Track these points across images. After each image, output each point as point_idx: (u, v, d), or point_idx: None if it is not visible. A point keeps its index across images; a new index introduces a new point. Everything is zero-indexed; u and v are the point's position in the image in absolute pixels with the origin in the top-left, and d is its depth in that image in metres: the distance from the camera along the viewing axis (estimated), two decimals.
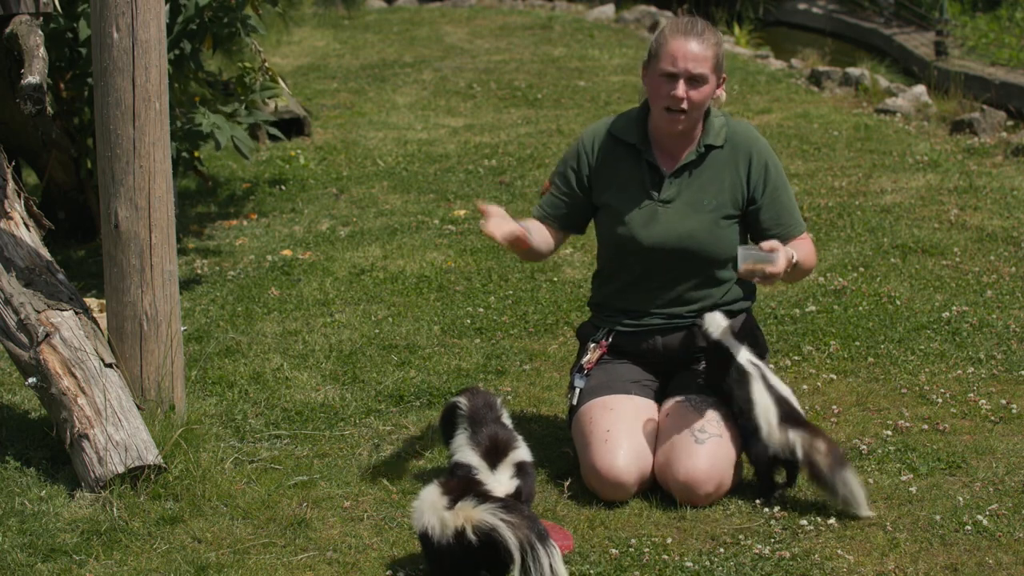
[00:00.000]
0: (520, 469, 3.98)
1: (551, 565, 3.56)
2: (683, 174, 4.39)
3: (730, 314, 4.45)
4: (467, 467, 3.97)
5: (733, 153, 4.40)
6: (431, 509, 3.69)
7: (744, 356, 4.24)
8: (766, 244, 4.14)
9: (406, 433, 4.78)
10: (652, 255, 4.37)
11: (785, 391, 4.24)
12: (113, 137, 4.37)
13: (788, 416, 4.16)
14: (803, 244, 4.40)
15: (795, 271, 4.30)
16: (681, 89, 4.25)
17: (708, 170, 4.39)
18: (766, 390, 4.19)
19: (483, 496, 3.69)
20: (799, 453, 4.10)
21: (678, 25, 4.29)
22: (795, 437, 4.11)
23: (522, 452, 4.03)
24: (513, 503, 3.70)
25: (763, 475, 4.21)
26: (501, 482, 3.94)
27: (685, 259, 4.35)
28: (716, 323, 4.28)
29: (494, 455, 3.98)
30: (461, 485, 3.76)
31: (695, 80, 4.25)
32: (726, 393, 4.26)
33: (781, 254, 4.12)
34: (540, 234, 4.44)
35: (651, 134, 4.42)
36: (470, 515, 3.62)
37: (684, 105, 4.26)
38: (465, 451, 4.01)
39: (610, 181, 4.44)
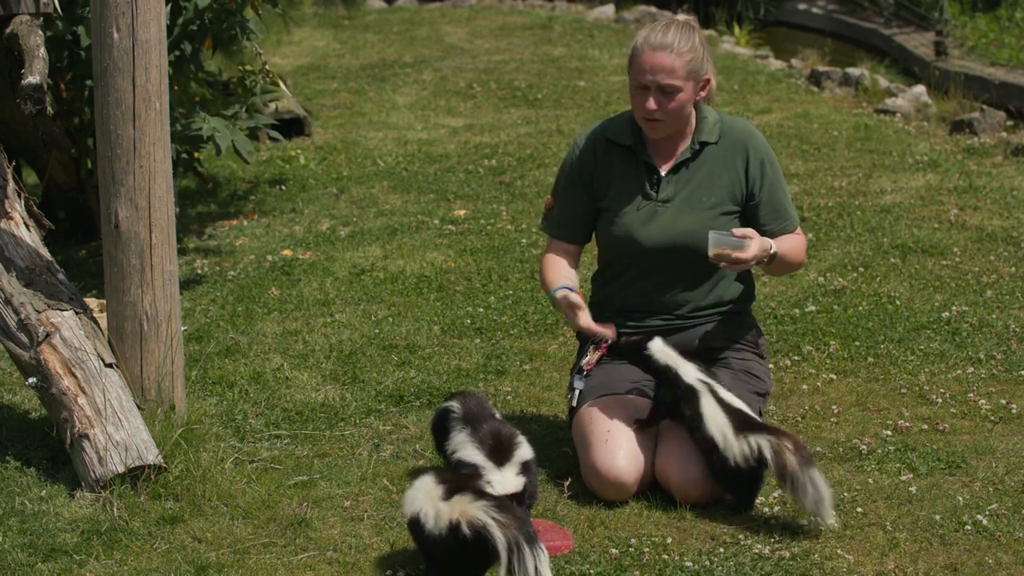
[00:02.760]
0: (525, 467, 4.00)
1: (536, 567, 3.56)
2: (680, 171, 4.40)
3: (730, 314, 4.46)
4: (472, 466, 3.98)
5: (730, 149, 4.40)
6: (426, 497, 3.69)
7: (691, 374, 4.19)
8: (738, 231, 4.17)
9: (406, 433, 4.78)
10: (652, 255, 4.37)
11: (738, 404, 4.15)
12: (113, 137, 4.37)
13: (744, 424, 4.09)
14: (793, 238, 4.41)
15: (777, 264, 4.34)
16: (652, 102, 4.27)
17: (705, 167, 4.40)
18: (716, 403, 4.11)
19: (478, 492, 3.69)
20: (768, 454, 4.02)
21: (650, 35, 4.29)
22: (759, 440, 4.03)
23: (525, 450, 4.04)
24: (506, 502, 3.70)
25: (732, 489, 4.13)
26: (507, 479, 3.95)
27: (685, 257, 4.36)
28: (659, 348, 4.24)
29: (499, 453, 3.99)
30: (456, 478, 3.76)
31: (665, 91, 4.26)
32: (679, 412, 4.18)
33: (754, 242, 4.16)
34: (572, 270, 4.50)
35: (645, 135, 4.43)
36: (465, 509, 3.62)
37: (658, 115, 4.28)
38: (468, 449, 4.02)
39: (608, 184, 4.44)
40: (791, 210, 4.45)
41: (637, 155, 4.43)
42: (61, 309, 4.45)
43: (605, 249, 4.52)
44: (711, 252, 4.16)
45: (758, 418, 4.18)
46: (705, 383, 4.17)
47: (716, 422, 4.10)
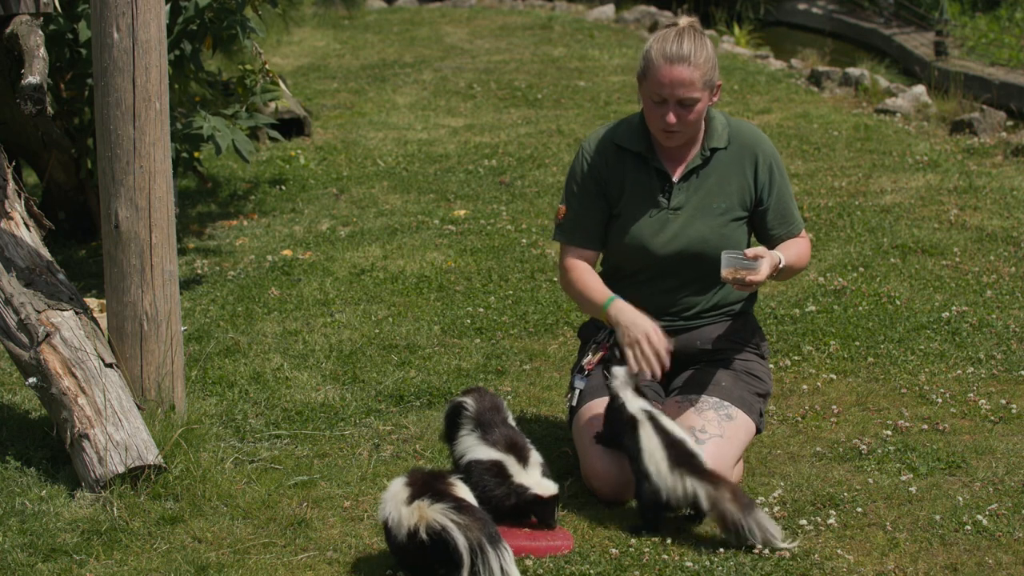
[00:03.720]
0: (544, 469, 4.02)
1: (502, 567, 3.57)
2: (690, 178, 4.38)
3: (732, 316, 4.46)
4: (489, 463, 3.98)
5: (739, 154, 4.39)
6: (392, 500, 3.72)
7: (636, 405, 4.12)
8: (750, 251, 4.16)
9: (406, 433, 4.78)
10: (664, 262, 4.36)
11: (680, 435, 4.06)
12: (113, 137, 4.37)
13: (682, 461, 3.99)
14: (798, 244, 4.41)
15: (783, 273, 4.33)
16: (672, 116, 4.24)
17: (715, 173, 4.38)
18: (656, 434, 4.03)
19: (440, 495, 3.68)
20: (704, 504, 3.93)
21: (664, 48, 4.22)
22: (697, 487, 3.94)
23: (537, 454, 4.06)
24: (467, 504, 3.69)
25: (649, 515, 4.04)
26: (543, 482, 3.97)
27: (695, 263, 4.35)
28: (617, 376, 4.19)
29: (518, 454, 4.00)
30: (424, 481, 3.75)
31: (684, 104, 4.23)
32: (621, 443, 4.13)
33: (765, 262, 4.15)
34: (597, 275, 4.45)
35: (655, 141, 4.41)
36: (425, 514, 3.63)
37: (677, 127, 4.26)
38: (480, 449, 4.02)
39: (621, 191, 4.41)
40: (796, 214, 4.45)
41: (648, 162, 4.40)
42: (61, 309, 4.45)
43: (614, 254, 4.48)
44: (724, 274, 4.14)
45: (699, 455, 4.03)
46: (647, 413, 4.09)
47: (652, 455, 4.02)
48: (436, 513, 3.62)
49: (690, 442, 4.07)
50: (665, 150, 4.40)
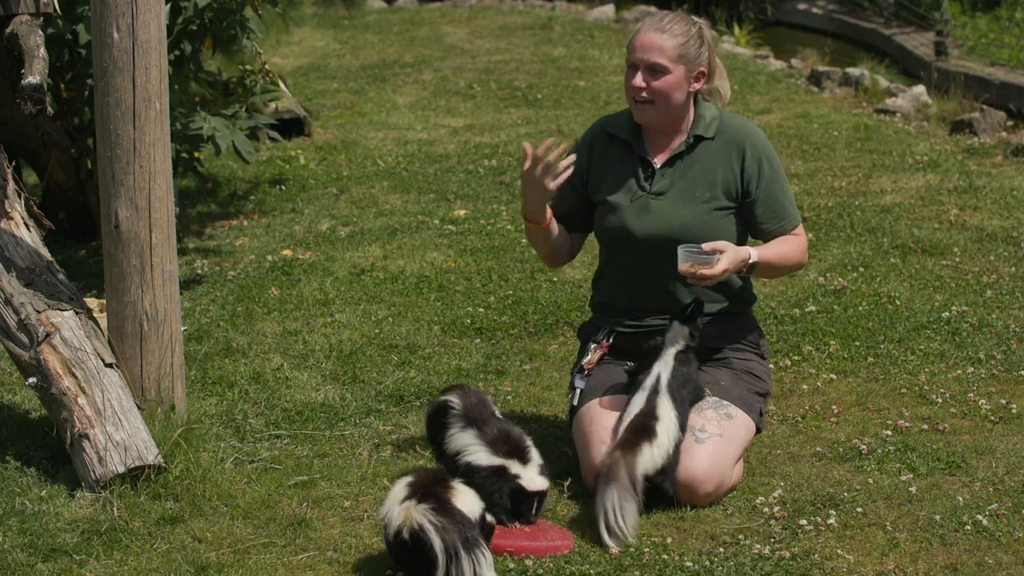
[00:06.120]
0: (542, 468, 4.03)
1: (475, 572, 3.58)
2: (675, 164, 4.41)
3: (730, 314, 4.46)
4: (488, 468, 3.99)
5: (726, 146, 4.41)
6: (391, 499, 3.76)
7: (659, 367, 4.22)
8: (708, 245, 4.17)
9: (406, 433, 4.78)
10: (645, 247, 4.37)
11: (660, 412, 4.13)
12: (113, 137, 4.37)
13: (632, 431, 4.10)
14: (787, 241, 4.41)
15: (764, 271, 4.35)
16: (639, 78, 4.31)
17: (700, 162, 4.40)
18: (643, 400, 4.17)
19: (427, 495, 3.69)
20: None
21: (646, 20, 4.38)
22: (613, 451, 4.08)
23: (535, 451, 4.07)
24: (449, 506, 3.69)
25: None
26: (535, 478, 3.99)
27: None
28: (675, 333, 4.30)
29: (517, 452, 4.01)
30: (422, 483, 3.76)
31: (653, 70, 4.30)
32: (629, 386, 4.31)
33: (725, 257, 4.16)
34: (563, 234, 4.52)
35: (643, 129, 4.45)
36: (409, 514, 3.66)
37: (645, 94, 4.31)
38: (478, 452, 4.03)
39: (604, 177, 4.47)
40: (790, 209, 4.44)
41: (633, 148, 4.45)
42: (61, 309, 4.45)
43: (602, 243, 4.54)
44: (679, 268, 4.17)
45: (655, 434, 4.09)
46: (656, 380, 4.20)
47: (629, 415, 4.17)
48: (417, 513, 3.64)
49: (662, 424, 4.11)
50: (651, 138, 4.44)
